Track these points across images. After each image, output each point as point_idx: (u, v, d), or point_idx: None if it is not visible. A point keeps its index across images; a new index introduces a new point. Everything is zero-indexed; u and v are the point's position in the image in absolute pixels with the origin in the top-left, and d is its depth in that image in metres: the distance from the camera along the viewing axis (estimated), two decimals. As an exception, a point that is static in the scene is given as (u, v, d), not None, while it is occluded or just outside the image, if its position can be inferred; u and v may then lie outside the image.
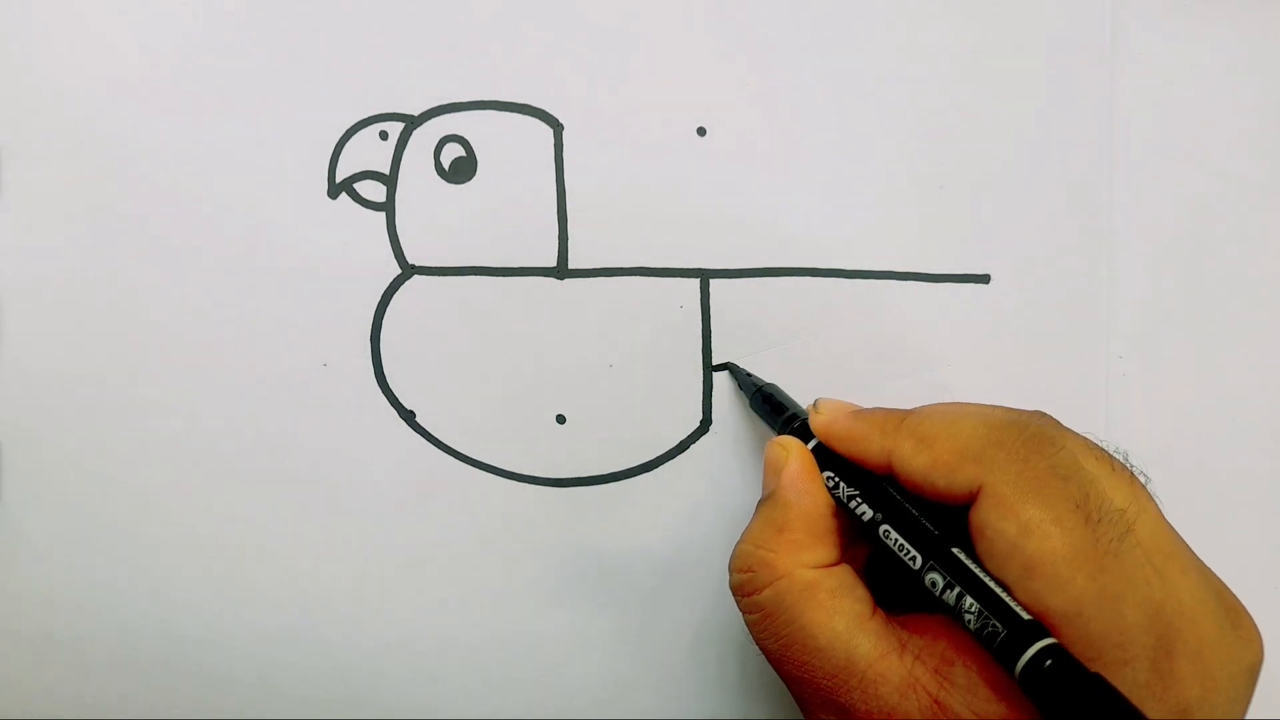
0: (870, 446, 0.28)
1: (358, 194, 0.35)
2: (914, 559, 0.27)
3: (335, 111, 0.35)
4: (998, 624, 0.24)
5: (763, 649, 0.28)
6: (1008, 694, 0.24)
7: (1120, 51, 0.34)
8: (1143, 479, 0.26)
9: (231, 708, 0.36)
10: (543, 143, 0.35)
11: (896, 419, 0.28)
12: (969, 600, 0.25)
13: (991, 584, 0.25)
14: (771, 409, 0.32)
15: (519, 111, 0.35)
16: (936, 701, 0.25)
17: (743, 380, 0.34)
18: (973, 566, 0.25)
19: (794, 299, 0.34)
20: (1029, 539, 0.24)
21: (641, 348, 0.35)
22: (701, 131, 0.34)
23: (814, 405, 0.30)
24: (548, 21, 0.34)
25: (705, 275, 0.34)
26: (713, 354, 0.35)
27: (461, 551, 0.35)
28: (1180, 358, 0.34)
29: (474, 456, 0.35)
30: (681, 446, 0.35)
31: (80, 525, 0.36)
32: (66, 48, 0.35)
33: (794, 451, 0.29)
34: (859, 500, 0.28)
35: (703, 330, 0.34)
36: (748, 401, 0.34)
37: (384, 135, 0.35)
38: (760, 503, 0.30)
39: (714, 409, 0.35)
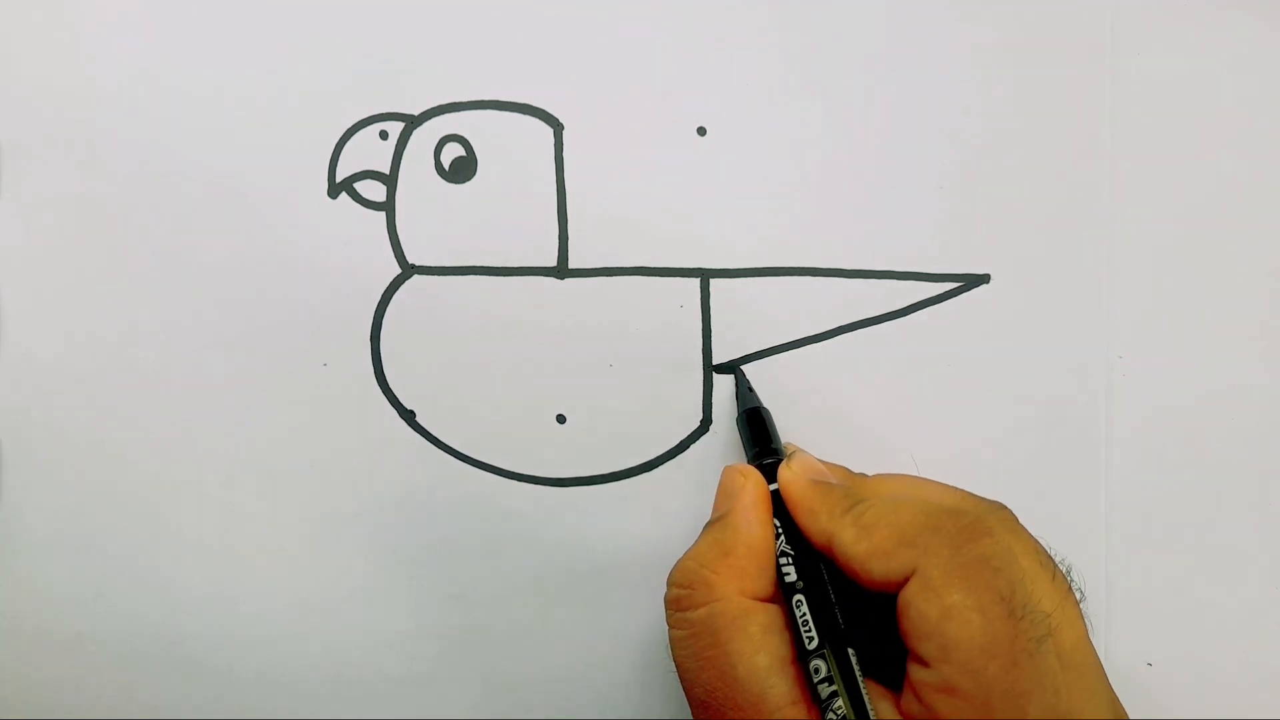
0: (815, 524, 0.28)
1: (358, 194, 0.35)
2: (810, 639, 0.27)
3: (335, 111, 0.35)
4: None
5: (679, 666, 0.28)
6: None
7: (1120, 51, 0.34)
8: (1078, 595, 0.26)
9: (231, 707, 0.36)
10: (543, 143, 0.35)
11: (846, 503, 0.28)
12: (838, 702, 0.26)
13: (866, 699, 0.26)
14: (753, 434, 0.32)
15: (519, 111, 0.35)
16: None
17: (741, 392, 0.34)
18: (857, 672, 0.26)
19: (794, 299, 0.34)
20: (949, 622, 0.25)
21: (641, 348, 0.35)
22: (701, 131, 0.34)
23: (788, 455, 0.30)
24: (548, 21, 0.35)
25: (705, 275, 0.34)
26: (713, 354, 0.35)
27: (461, 551, 0.35)
28: (1180, 358, 0.34)
29: (474, 456, 0.35)
30: (681, 446, 0.35)
31: (80, 525, 0.36)
32: (66, 48, 0.35)
33: (752, 483, 0.30)
34: (789, 560, 0.28)
35: (703, 330, 0.34)
36: (737, 417, 0.33)
37: (384, 135, 0.35)
38: (709, 524, 0.30)
39: (714, 409, 0.35)
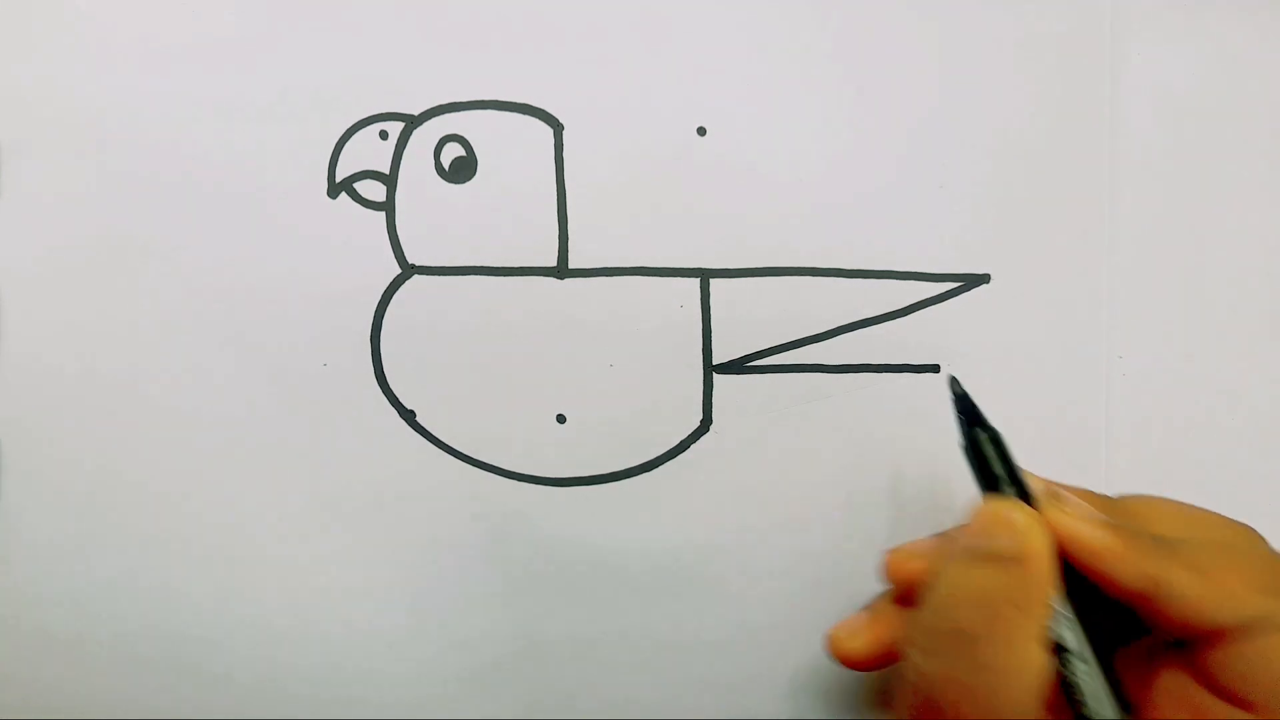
0: (1128, 570, 0.26)
1: (358, 194, 0.35)
2: (1094, 713, 0.25)
3: (335, 111, 0.35)
4: None
5: (937, 698, 0.26)
6: None
7: (1120, 51, 0.34)
8: None
9: (231, 707, 0.36)
10: (543, 143, 0.35)
11: (1151, 540, 0.26)
12: None
13: None
14: (989, 466, 0.28)
15: (519, 111, 0.35)
16: None
17: (970, 411, 0.30)
18: None
19: (794, 299, 0.34)
20: None
21: (641, 348, 0.35)
22: (701, 131, 0.34)
23: (1053, 494, 0.27)
24: (548, 21, 0.35)
25: (705, 275, 0.34)
26: (713, 354, 0.35)
27: (461, 551, 0.35)
28: (1180, 358, 0.34)
29: (474, 456, 0.35)
30: (681, 446, 0.35)
31: (80, 524, 0.36)
32: (66, 48, 0.35)
33: (1039, 528, 0.26)
34: (1064, 622, 0.26)
35: (703, 330, 0.34)
36: (961, 442, 0.29)
37: (384, 135, 0.35)
38: (990, 557, 0.26)
39: (714, 409, 0.35)
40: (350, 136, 0.35)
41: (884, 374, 0.34)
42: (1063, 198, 0.34)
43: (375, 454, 0.35)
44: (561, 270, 0.35)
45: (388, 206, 0.35)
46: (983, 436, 0.29)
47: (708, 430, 0.35)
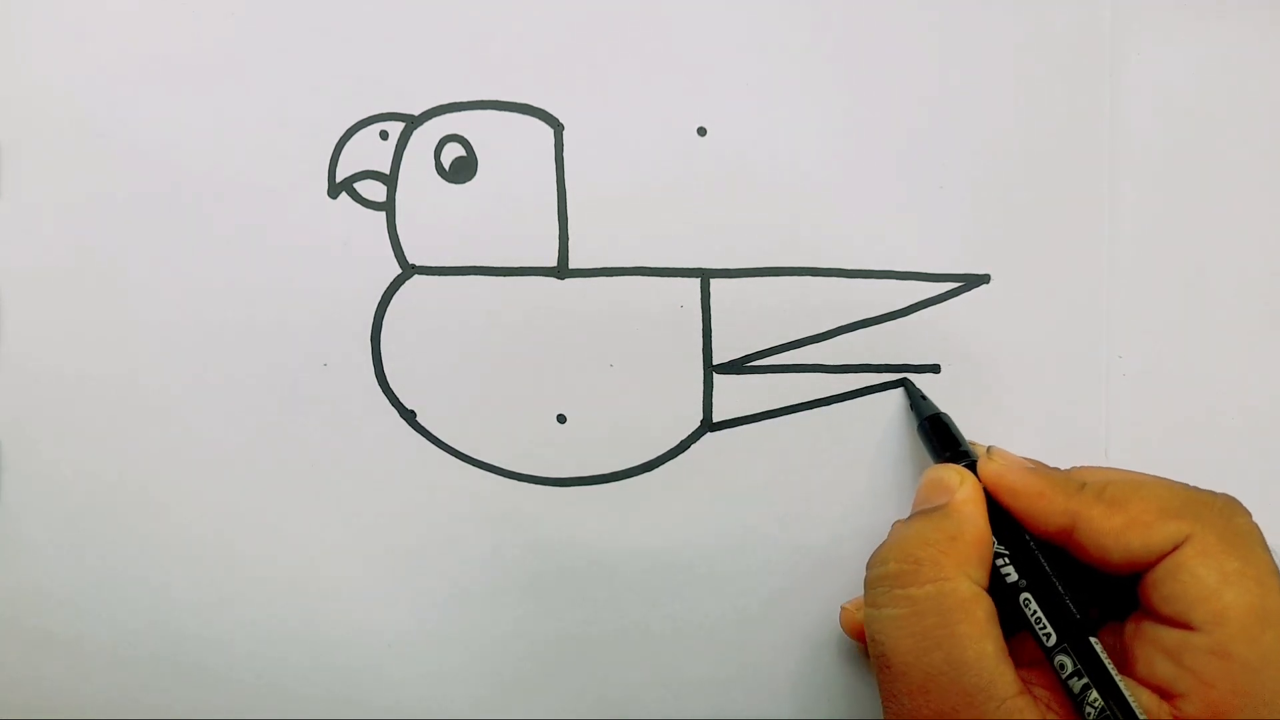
0: (1050, 506, 0.28)
1: (358, 194, 0.35)
2: (1048, 636, 0.27)
3: (335, 111, 0.35)
4: None
5: (891, 648, 0.27)
6: None
7: (1120, 51, 0.34)
8: None
9: (231, 707, 0.36)
10: (543, 143, 0.35)
11: (1076, 483, 0.28)
12: (1094, 694, 0.26)
13: (1120, 685, 0.26)
14: (939, 440, 0.32)
15: (519, 111, 0.35)
16: None
17: (915, 401, 0.34)
18: (1106, 662, 0.26)
19: (794, 299, 0.34)
20: (1228, 588, 0.25)
21: (641, 348, 0.35)
22: (701, 131, 0.34)
23: (987, 451, 0.30)
24: (548, 21, 0.35)
25: (705, 275, 0.34)
26: (713, 354, 0.35)
27: (461, 551, 0.35)
28: (1180, 358, 0.34)
29: (474, 456, 0.35)
30: (681, 446, 0.35)
31: (80, 525, 0.36)
32: (66, 47, 0.35)
33: (970, 481, 0.29)
34: (1006, 560, 0.28)
35: (703, 330, 0.34)
36: (915, 423, 0.33)
37: (384, 135, 0.35)
38: (923, 512, 0.30)
39: (714, 409, 0.35)
40: (350, 136, 0.35)
41: (884, 374, 0.34)
42: (1063, 198, 0.34)
43: (375, 454, 0.35)
44: (561, 270, 0.35)
45: (388, 206, 0.35)
46: (925, 422, 0.33)
47: (708, 430, 0.35)
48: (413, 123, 0.35)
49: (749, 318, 0.34)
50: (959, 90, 0.34)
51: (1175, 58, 0.34)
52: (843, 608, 0.33)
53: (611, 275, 0.35)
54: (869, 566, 0.29)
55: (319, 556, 0.35)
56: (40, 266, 0.35)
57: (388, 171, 0.35)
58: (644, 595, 0.35)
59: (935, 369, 0.34)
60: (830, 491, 0.35)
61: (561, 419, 0.35)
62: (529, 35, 0.35)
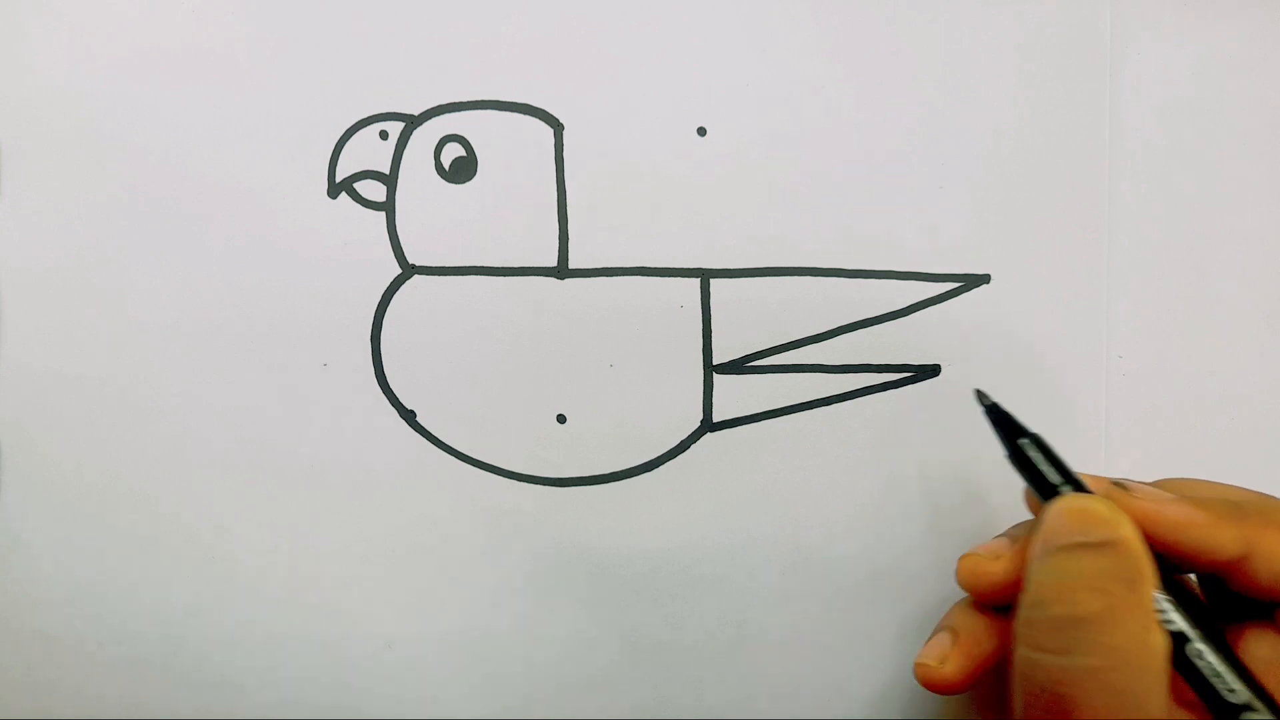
0: (1220, 536, 0.25)
1: (358, 194, 0.35)
2: (1232, 691, 0.24)
3: (335, 111, 0.35)
4: None
5: (1081, 700, 0.24)
6: None
7: (1120, 51, 0.34)
8: None
9: (231, 707, 0.36)
10: (543, 143, 0.35)
11: (1232, 504, 0.26)
12: None
13: None
14: (1052, 464, 0.28)
15: (519, 111, 0.35)
16: None
17: (1008, 426, 0.29)
18: None
19: (794, 299, 0.34)
20: None
21: (641, 348, 0.35)
22: (701, 131, 0.34)
23: (1118, 484, 0.27)
24: (548, 21, 0.35)
25: (705, 275, 0.34)
26: (713, 354, 0.35)
27: (461, 551, 0.35)
28: (1180, 358, 0.34)
29: (474, 456, 0.35)
30: (681, 446, 0.35)
31: (80, 525, 0.36)
32: (67, 47, 0.35)
33: (1126, 517, 0.25)
34: (1170, 608, 0.25)
35: (703, 330, 0.34)
36: (1005, 452, 0.29)
37: (384, 135, 0.35)
38: (1083, 547, 0.25)
39: (714, 409, 0.35)
40: (350, 136, 0.35)
41: (884, 374, 0.34)
42: (1062, 198, 0.34)
43: (375, 454, 0.35)
44: (561, 270, 0.35)
45: (388, 206, 0.35)
46: (1027, 444, 0.29)
47: (708, 430, 0.35)
48: (412, 123, 0.35)
49: (749, 318, 0.34)
50: (959, 90, 0.34)
51: (1175, 57, 0.34)
52: (964, 562, 0.29)
53: (611, 275, 0.35)
54: (1040, 605, 0.25)
55: (318, 556, 0.35)
56: (40, 266, 0.35)
57: (388, 171, 0.35)
58: (644, 595, 0.35)
59: (935, 369, 0.34)
60: (830, 491, 0.35)
61: (561, 419, 0.35)
62: (529, 35, 0.35)
